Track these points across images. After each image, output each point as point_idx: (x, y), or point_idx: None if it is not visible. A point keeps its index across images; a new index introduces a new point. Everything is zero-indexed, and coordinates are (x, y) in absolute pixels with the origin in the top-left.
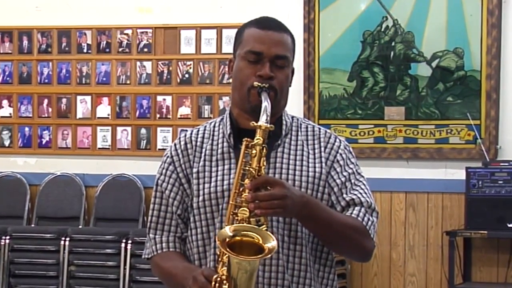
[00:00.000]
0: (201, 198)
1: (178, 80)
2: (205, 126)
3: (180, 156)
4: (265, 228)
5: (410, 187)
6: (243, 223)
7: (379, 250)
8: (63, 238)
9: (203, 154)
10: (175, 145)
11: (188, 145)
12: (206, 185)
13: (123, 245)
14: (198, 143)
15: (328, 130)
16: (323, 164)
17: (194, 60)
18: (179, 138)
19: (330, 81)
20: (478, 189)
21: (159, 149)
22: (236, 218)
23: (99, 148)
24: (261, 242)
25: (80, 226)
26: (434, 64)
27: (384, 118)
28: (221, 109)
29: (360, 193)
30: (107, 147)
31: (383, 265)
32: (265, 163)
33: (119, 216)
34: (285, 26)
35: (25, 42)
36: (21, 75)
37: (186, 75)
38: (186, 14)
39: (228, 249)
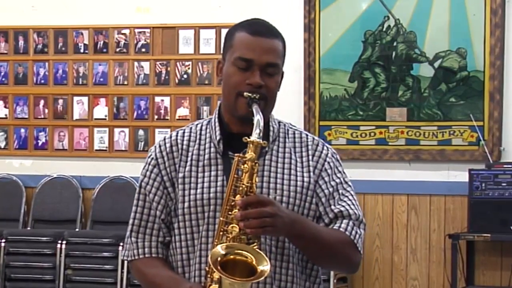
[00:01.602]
0: (186, 204)
1: (177, 81)
2: (191, 128)
3: (165, 158)
4: (256, 247)
5: (412, 189)
6: (234, 241)
7: (380, 254)
8: (59, 241)
9: (189, 159)
10: (160, 146)
11: (174, 148)
12: (192, 191)
13: (120, 248)
14: (184, 147)
15: (315, 137)
16: (311, 174)
17: (193, 61)
18: (164, 139)
19: (331, 81)
20: (481, 192)
21: None
22: (226, 235)
23: (96, 150)
24: (254, 262)
25: (77, 229)
26: (436, 64)
27: (385, 119)
28: None
29: (348, 205)
30: (104, 148)
31: (384, 269)
32: (257, 180)
33: (117, 219)
34: (277, 31)
35: (21, 42)
36: (16, 75)
37: (185, 76)
38: (185, 13)
39: (220, 269)
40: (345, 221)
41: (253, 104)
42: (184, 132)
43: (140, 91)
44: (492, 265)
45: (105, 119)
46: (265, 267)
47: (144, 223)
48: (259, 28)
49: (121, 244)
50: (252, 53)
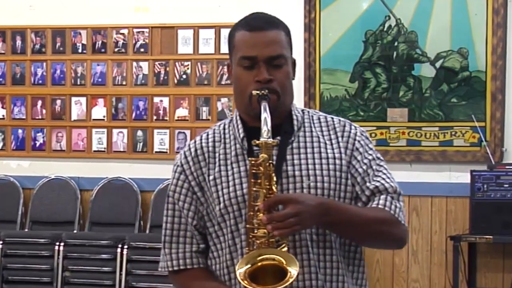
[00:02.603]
0: (222, 205)
1: (176, 81)
2: (214, 129)
3: (191, 163)
4: (286, 248)
5: (414, 190)
6: (263, 246)
7: (381, 255)
8: (57, 243)
9: (217, 160)
10: (184, 153)
11: (199, 151)
12: (225, 191)
13: (119, 250)
14: (210, 148)
15: (341, 118)
16: (343, 155)
17: (192, 61)
18: (188, 145)
19: (331, 82)
20: (483, 193)
21: (155, 152)
22: (255, 241)
23: (94, 151)
24: (284, 264)
25: (75, 231)
26: (438, 64)
27: (386, 120)
28: (219, 111)
29: (383, 179)
30: (103, 149)
31: (385, 271)
32: (275, 179)
33: (115, 221)
34: (276, 20)
35: (19, 42)
36: (14, 75)
37: (184, 76)
38: (184, 13)
39: (249, 282)
40: (382, 196)
41: (262, 101)
42: (208, 135)
43: (138, 92)
44: (494, 267)
45: (104, 119)
46: (293, 269)
47: (176, 232)
48: (256, 23)
49: (119, 246)
50: (254, 50)
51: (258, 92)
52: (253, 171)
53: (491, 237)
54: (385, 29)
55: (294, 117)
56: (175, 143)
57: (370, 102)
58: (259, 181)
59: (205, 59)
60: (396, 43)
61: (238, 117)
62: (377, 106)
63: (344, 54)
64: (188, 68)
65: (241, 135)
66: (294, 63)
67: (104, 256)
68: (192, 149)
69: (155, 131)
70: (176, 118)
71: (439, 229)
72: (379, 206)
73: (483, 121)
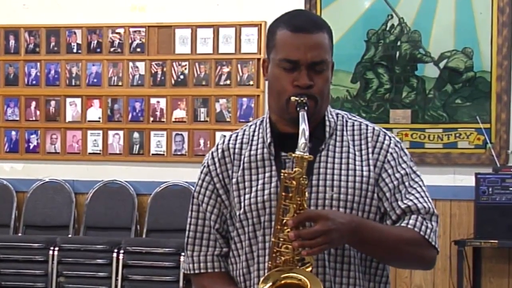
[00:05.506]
0: (242, 210)
1: (173, 82)
2: (244, 130)
3: (217, 165)
4: (310, 268)
5: None
6: (287, 263)
7: None
8: (51, 248)
9: (241, 162)
10: (212, 153)
11: (226, 153)
12: (247, 196)
13: (114, 255)
14: (237, 150)
15: (376, 127)
16: (371, 167)
17: (190, 61)
18: (217, 145)
19: (333, 82)
20: (488, 196)
21: (152, 154)
22: (279, 256)
23: (89, 153)
24: (309, 286)
25: (70, 235)
26: (441, 64)
27: (389, 121)
28: (217, 112)
29: (416, 198)
30: (98, 152)
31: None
32: (307, 194)
33: (111, 225)
34: (320, 22)
35: (12, 42)
36: (7, 76)
37: (181, 76)
38: (181, 12)
39: None
40: (413, 216)
41: (300, 109)
42: (237, 136)
43: (135, 92)
44: (500, 272)
45: (99, 121)
46: None
47: (200, 235)
48: (301, 23)
49: (115, 250)
50: (297, 53)
51: (297, 98)
52: (285, 184)
53: (496, 241)
54: (387, 29)
55: (327, 122)
56: (172, 145)
57: (372, 103)
58: (290, 195)
59: (203, 59)
60: (399, 43)
61: (267, 120)
62: (379, 107)
63: (346, 54)
64: (185, 69)
65: (269, 140)
66: (332, 66)
67: (99, 261)
68: (219, 150)
69: (152, 133)
70: (173, 119)
71: (443, 234)
72: (409, 226)
73: (488, 122)
